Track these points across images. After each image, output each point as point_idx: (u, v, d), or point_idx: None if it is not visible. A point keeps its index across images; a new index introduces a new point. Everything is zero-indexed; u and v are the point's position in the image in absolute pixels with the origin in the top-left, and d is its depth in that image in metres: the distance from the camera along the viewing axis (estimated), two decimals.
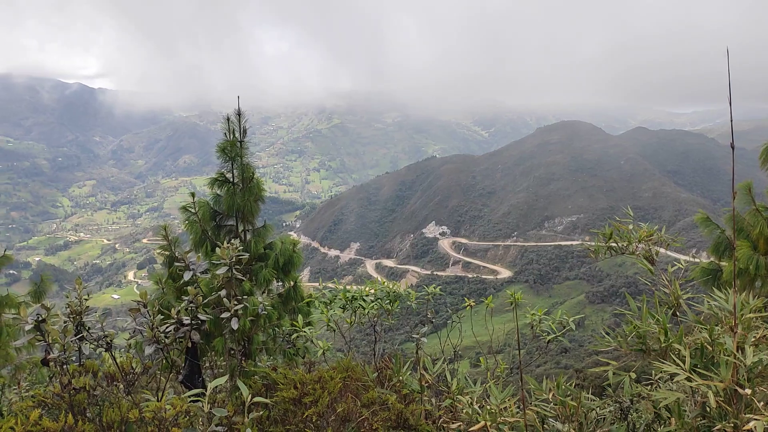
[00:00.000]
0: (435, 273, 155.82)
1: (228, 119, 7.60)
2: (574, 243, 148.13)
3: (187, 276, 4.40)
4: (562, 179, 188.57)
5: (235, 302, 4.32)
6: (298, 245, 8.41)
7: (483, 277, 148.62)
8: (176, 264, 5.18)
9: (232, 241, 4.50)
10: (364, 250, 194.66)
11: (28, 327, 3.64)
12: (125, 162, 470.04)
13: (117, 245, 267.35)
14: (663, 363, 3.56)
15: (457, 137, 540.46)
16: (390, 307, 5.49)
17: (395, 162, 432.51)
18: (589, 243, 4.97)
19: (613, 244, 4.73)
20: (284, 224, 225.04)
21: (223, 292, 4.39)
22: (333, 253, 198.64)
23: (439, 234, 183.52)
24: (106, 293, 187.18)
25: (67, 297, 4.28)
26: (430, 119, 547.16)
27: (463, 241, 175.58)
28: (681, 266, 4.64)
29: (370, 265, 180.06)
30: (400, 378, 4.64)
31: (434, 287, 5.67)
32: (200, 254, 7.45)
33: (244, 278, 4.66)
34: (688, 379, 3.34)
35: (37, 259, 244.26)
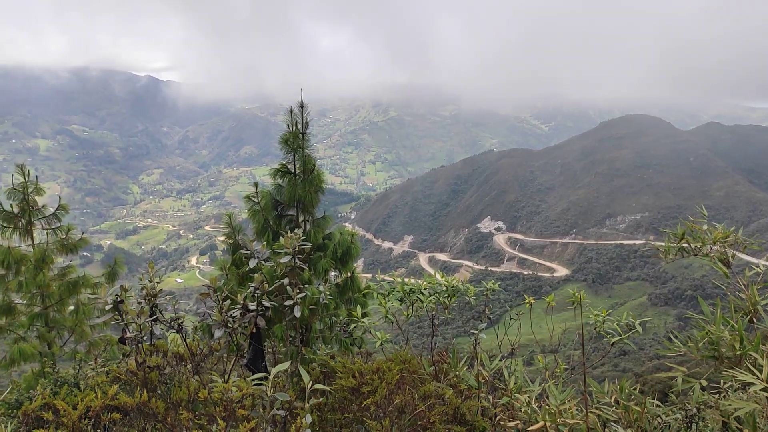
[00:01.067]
0: (489, 268, 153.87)
1: (291, 111, 7.74)
2: (637, 242, 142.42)
3: (252, 263, 4.56)
4: (626, 176, 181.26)
5: (298, 290, 4.44)
6: (356, 237, 8.52)
7: (539, 274, 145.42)
8: (241, 251, 5.37)
9: (295, 231, 4.62)
10: (418, 244, 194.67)
11: (108, 307, 3.88)
12: (190, 152, 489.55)
13: (181, 231, 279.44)
14: (738, 371, 3.39)
15: (516, 131, 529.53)
16: (447, 302, 5.48)
17: (451, 155, 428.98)
18: (655, 243, 4.77)
19: (685, 245, 4.51)
20: (339, 215, 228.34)
21: (286, 280, 4.52)
22: (386, 245, 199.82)
23: (495, 229, 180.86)
24: (170, 277, 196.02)
25: (141, 280, 4.53)
26: (487, 112, 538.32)
27: (519, 237, 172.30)
28: (759, 270, 4.38)
29: (423, 259, 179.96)
30: (457, 373, 4.63)
31: (492, 283, 5.61)
32: (263, 243, 7.68)
33: (305, 267, 4.77)
34: (765, 389, 3.16)
35: (109, 242, 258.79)
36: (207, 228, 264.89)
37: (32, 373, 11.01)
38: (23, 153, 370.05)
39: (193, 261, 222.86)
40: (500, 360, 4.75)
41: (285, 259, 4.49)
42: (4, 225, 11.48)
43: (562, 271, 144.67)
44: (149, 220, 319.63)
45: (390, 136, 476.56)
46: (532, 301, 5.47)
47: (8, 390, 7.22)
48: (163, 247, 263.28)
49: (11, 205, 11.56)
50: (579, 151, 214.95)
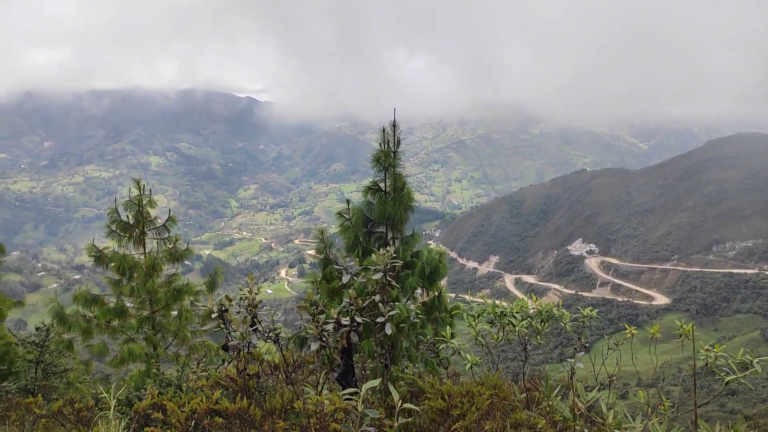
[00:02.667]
0: (579, 293, 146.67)
1: (383, 130, 7.89)
2: (749, 271, 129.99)
3: (344, 279, 4.67)
4: (736, 198, 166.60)
5: (389, 308, 4.49)
6: (444, 256, 8.47)
7: (635, 301, 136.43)
8: (334, 267, 5.51)
9: (388, 248, 4.68)
10: (503, 264, 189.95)
11: (213, 315, 4.12)
12: (284, 168, 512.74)
13: (272, 244, 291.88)
14: None
15: (611, 150, 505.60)
16: (540, 327, 5.28)
17: (541, 174, 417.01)
18: None
19: None
20: (424, 233, 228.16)
21: (377, 297, 4.58)
22: (471, 264, 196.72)
23: (586, 252, 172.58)
24: (261, 287, 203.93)
25: (241, 290, 4.78)
26: (580, 130, 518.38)
27: (614, 261, 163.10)
28: None
29: (508, 280, 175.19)
30: (550, 402, 4.42)
31: (590, 310, 5.33)
32: (354, 258, 7.84)
33: (396, 285, 4.81)
34: None
35: (207, 252, 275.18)
36: (296, 242, 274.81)
37: (138, 372, 11.89)
38: (137, 168, 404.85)
39: (283, 273, 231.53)
40: (597, 392, 4.49)
41: (377, 276, 4.55)
42: (121, 234, 12.58)
43: (661, 300, 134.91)
44: (244, 233, 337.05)
45: (477, 154, 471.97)
46: (634, 332, 5.13)
47: (122, 388, 7.84)
48: (256, 258, 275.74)
49: (127, 216, 12.67)
50: (682, 170, 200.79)
